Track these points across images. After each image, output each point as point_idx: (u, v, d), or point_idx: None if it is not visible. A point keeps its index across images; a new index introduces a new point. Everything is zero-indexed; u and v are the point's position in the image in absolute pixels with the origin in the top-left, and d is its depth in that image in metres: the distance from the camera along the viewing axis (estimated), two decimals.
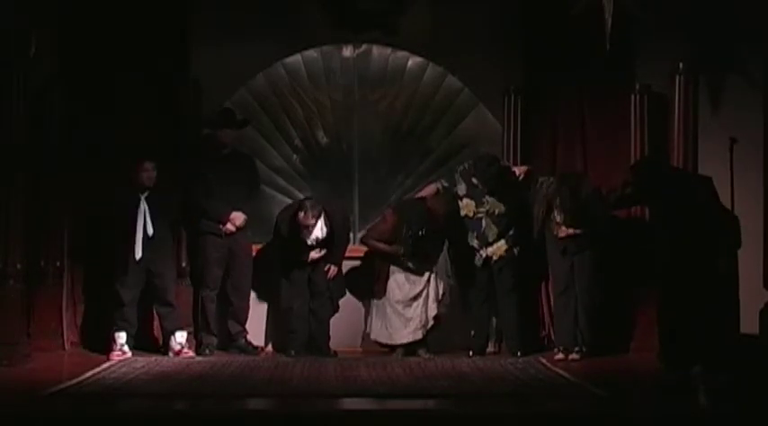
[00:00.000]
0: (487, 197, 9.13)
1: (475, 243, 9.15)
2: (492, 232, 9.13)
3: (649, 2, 8.90)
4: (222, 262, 9.28)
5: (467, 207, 9.18)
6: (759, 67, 8.90)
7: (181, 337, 9.07)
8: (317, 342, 9.22)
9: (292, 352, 9.20)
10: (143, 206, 8.95)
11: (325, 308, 9.29)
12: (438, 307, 9.15)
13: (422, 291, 9.15)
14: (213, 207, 9.19)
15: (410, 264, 9.13)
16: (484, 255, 9.12)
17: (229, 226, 9.19)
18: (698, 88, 9.17)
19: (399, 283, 9.19)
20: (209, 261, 9.26)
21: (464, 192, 9.19)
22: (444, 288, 9.20)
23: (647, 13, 8.94)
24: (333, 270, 9.28)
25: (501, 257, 9.14)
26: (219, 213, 9.18)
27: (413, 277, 9.17)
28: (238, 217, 9.20)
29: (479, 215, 9.15)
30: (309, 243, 9.13)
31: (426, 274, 9.18)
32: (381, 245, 9.18)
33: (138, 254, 8.91)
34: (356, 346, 9.55)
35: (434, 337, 9.25)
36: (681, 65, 9.12)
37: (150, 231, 8.93)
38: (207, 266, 9.27)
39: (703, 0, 9.09)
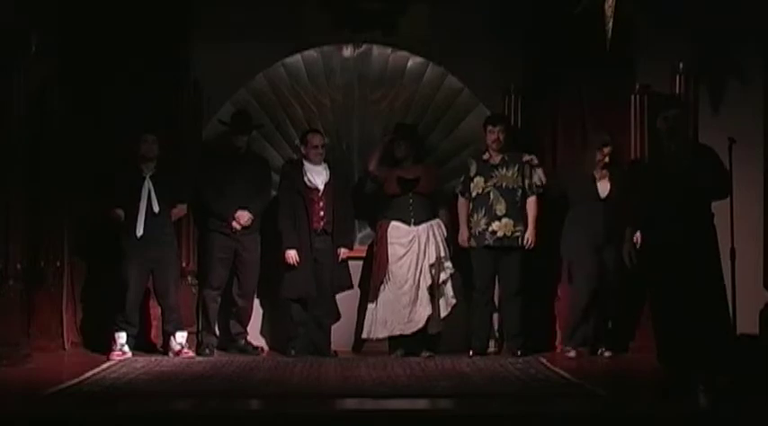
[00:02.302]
0: (496, 171, 9.15)
1: (482, 223, 9.12)
2: (500, 206, 9.12)
3: (650, 2, 8.91)
4: (227, 263, 9.29)
5: (477, 185, 9.19)
6: (759, 68, 8.90)
7: (181, 337, 9.08)
8: (318, 344, 9.23)
9: (292, 352, 9.20)
10: (147, 184, 8.98)
11: (326, 311, 9.29)
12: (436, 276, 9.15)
13: (418, 240, 9.13)
14: (220, 205, 9.22)
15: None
16: (490, 230, 9.09)
17: (235, 224, 9.21)
18: (698, 88, 9.16)
19: (397, 235, 9.18)
20: (213, 261, 9.28)
21: (474, 172, 9.21)
22: (445, 263, 9.20)
23: (648, 13, 8.95)
24: (344, 252, 9.30)
25: (506, 236, 9.11)
26: (225, 211, 9.20)
27: (409, 227, 9.16)
28: (243, 216, 9.22)
29: (487, 189, 9.15)
30: (308, 184, 9.19)
31: (422, 225, 9.18)
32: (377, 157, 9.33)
33: (140, 232, 8.92)
34: (354, 348, 9.58)
35: (435, 337, 9.25)
36: (681, 65, 9.12)
37: (156, 208, 8.94)
38: (211, 265, 9.29)
39: (703, 0, 9.09)
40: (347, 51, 9.88)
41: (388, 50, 9.85)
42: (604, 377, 8.00)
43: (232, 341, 9.41)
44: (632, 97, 9.35)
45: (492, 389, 7.61)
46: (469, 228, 9.22)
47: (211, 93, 9.53)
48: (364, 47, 9.86)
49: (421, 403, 7.20)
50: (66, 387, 7.46)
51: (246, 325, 9.43)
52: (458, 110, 9.85)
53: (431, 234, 9.20)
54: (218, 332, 9.39)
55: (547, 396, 7.42)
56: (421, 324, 9.12)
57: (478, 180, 9.20)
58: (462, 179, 9.31)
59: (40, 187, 8.99)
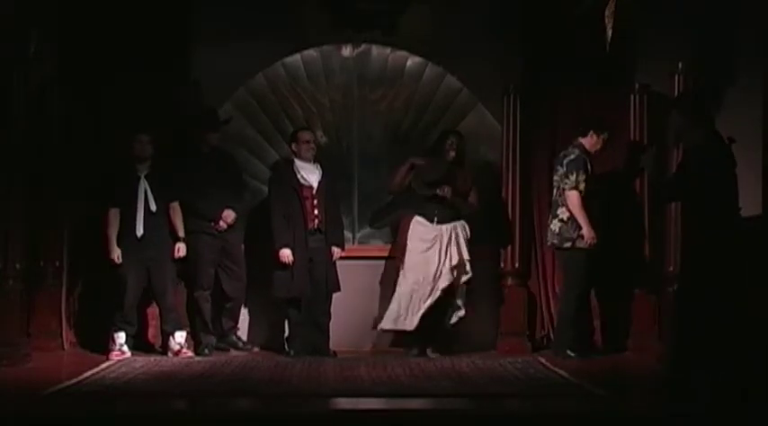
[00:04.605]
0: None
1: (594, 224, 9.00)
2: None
3: (650, 2, 8.91)
4: (215, 262, 9.29)
5: (589, 185, 8.99)
6: (759, 67, 8.90)
7: (180, 337, 9.08)
8: (317, 344, 9.22)
9: (291, 353, 9.20)
10: (143, 184, 8.98)
11: (323, 310, 9.27)
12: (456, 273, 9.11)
13: (440, 240, 9.10)
14: (204, 206, 9.20)
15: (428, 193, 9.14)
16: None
17: (222, 224, 9.21)
18: (698, 88, 9.16)
19: (420, 230, 9.15)
20: (202, 261, 9.25)
21: (590, 171, 8.99)
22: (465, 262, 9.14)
23: (648, 13, 8.95)
24: (337, 252, 9.29)
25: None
26: (211, 211, 9.20)
27: (432, 226, 9.13)
28: (230, 215, 9.23)
29: (592, 192, 9.03)
30: (302, 182, 9.17)
31: (445, 225, 9.14)
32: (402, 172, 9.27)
33: (140, 232, 8.92)
34: (358, 347, 9.55)
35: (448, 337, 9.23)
36: (681, 65, 9.12)
37: (153, 207, 8.95)
38: (200, 266, 9.26)
39: (703, 0, 9.09)
40: (346, 51, 9.89)
41: (388, 50, 9.85)
42: (604, 377, 8.00)
43: (223, 335, 9.43)
44: (632, 97, 9.35)
45: (492, 389, 7.61)
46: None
47: (211, 93, 9.53)
48: (363, 47, 9.86)
49: (421, 403, 7.21)
50: (65, 387, 7.47)
51: (237, 320, 9.45)
52: (457, 109, 9.85)
53: (453, 235, 9.17)
54: (214, 330, 9.40)
55: (547, 396, 7.42)
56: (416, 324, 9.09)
57: (589, 180, 9.00)
58: (583, 177, 8.94)
59: (40, 187, 8.99)
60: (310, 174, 9.27)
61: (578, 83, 9.55)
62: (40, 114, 9.01)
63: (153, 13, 9.37)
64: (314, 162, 9.34)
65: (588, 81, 9.52)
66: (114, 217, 8.97)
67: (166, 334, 9.13)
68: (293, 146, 9.34)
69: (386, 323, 9.20)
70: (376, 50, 9.87)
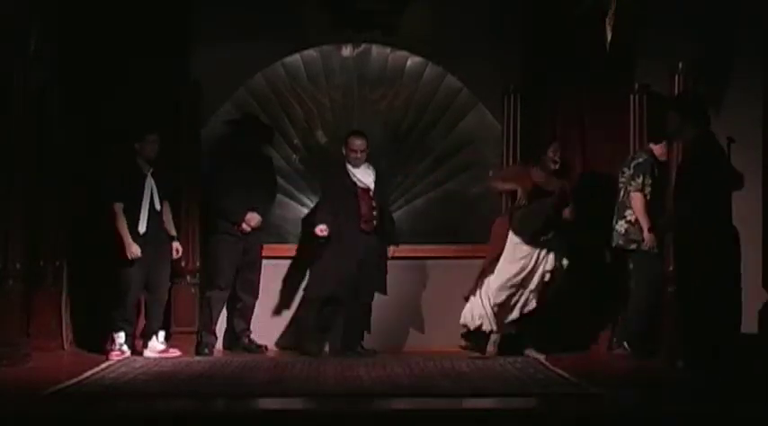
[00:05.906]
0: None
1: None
2: None
3: (650, 2, 8.91)
4: (235, 263, 9.31)
5: (654, 188, 8.99)
6: (759, 67, 8.90)
7: (162, 336, 9.09)
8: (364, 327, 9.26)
9: (324, 351, 9.24)
10: (150, 182, 8.97)
11: (367, 308, 9.28)
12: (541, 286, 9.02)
13: (531, 266, 9.01)
14: (229, 207, 9.23)
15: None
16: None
17: (245, 227, 9.23)
18: (698, 88, 9.16)
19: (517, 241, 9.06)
20: (222, 262, 9.29)
21: (656, 173, 9.00)
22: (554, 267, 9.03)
23: (648, 13, 8.96)
24: (393, 250, 9.31)
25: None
26: (235, 213, 9.22)
27: (524, 248, 9.01)
28: (254, 218, 9.25)
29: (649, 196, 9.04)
30: (359, 184, 9.17)
31: (536, 251, 9.01)
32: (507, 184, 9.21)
33: (143, 228, 8.91)
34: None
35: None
36: (681, 65, 9.12)
37: (158, 206, 8.95)
38: (220, 266, 9.30)
39: (703, 0, 9.10)
40: (346, 51, 9.89)
41: (388, 50, 9.86)
42: (604, 377, 8.00)
43: (237, 339, 9.43)
44: (632, 97, 9.35)
45: (492, 389, 7.61)
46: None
47: (211, 93, 9.54)
48: (363, 47, 9.86)
49: (421, 403, 7.20)
50: (65, 387, 7.47)
51: (250, 322, 9.45)
52: (457, 109, 9.86)
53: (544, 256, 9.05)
54: (218, 332, 9.40)
55: (546, 396, 7.42)
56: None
57: (655, 185, 8.97)
58: (650, 181, 8.94)
59: (39, 187, 8.99)
60: (365, 176, 9.27)
61: (578, 83, 9.55)
62: (40, 114, 9.02)
63: (153, 13, 9.38)
64: (365, 161, 9.31)
65: (588, 81, 9.52)
66: (120, 211, 8.94)
67: (151, 333, 9.09)
68: (343, 150, 9.32)
69: (466, 319, 9.09)
70: (376, 50, 9.87)
